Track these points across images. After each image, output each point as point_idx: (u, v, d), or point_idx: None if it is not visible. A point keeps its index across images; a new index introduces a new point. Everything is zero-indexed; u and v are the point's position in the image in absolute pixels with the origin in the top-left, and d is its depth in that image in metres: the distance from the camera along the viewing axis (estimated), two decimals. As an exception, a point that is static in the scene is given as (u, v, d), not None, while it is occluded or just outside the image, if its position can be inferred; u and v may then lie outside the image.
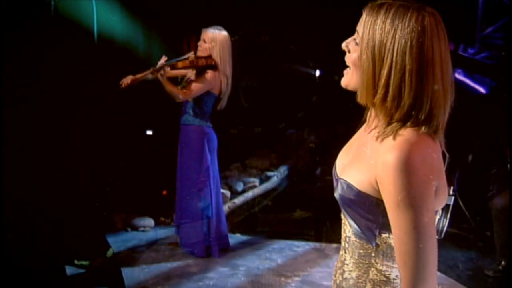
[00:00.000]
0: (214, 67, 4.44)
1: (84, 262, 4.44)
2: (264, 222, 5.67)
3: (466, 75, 7.01)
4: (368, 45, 1.42)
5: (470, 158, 5.90)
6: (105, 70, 4.94)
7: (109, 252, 4.63)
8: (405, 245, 1.36)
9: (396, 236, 1.38)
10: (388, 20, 1.40)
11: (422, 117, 1.39)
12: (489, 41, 7.81)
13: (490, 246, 4.95)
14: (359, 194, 1.44)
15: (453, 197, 1.49)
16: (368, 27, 1.42)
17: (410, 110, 1.40)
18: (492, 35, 8.01)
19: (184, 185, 4.54)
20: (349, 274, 1.56)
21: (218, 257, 4.62)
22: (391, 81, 1.39)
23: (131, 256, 4.71)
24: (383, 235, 1.47)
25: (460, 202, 5.40)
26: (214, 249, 4.61)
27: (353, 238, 1.54)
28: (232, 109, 4.90)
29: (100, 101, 4.92)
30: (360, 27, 1.46)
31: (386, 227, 1.43)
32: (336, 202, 1.55)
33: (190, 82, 4.47)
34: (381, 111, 1.44)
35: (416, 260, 1.35)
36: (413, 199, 1.33)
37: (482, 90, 6.56)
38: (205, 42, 4.47)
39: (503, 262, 4.59)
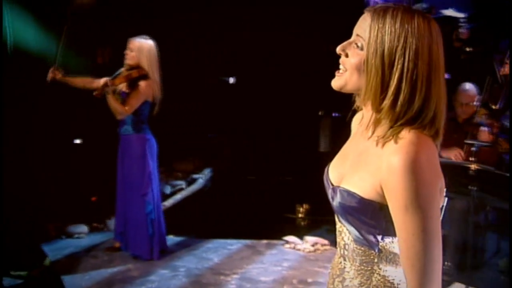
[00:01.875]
0: (145, 76, 4.43)
1: (21, 273, 4.26)
2: (195, 222, 5.68)
3: None
4: (376, 51, 1.34)
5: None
6: (20, 82, 4.81)
7: (47, 261, 4.47)
8: (413, 248, 1.30)
9: (403, 239, 1.32)
10: (397, 25, 1.33)
11: (427, 121, 1.35)
12: None
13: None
14: (362, 201, 1.38)
15: (446, 198, 1.48)
16: (376, 32, 1.34)
17: (417, 115, 1.34)
18: None
19: (128, 191, 4.48)
20: (350, 281, 1.49)
21: (159, 259, 4.59)
22: (402, 87, 1.33)
23: (70, 264, 4.55)
24: (386, 240, 1.42)
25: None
26: (156, 251, 4.58)
27: (353, 245, 1.48)
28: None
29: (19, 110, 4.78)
30: (364, 31, 1.38)
31: (389, 232, 1.39)
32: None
33: (127, 96, 4.42)
34: (387, 117, 1.36)
35: (424, 262, 1.30)
36: (421, 200, 1.28)
37: None
38: (132, 51, 4.45)
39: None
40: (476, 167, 3.88)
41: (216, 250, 4.93)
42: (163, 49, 4.59)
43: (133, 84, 4.42)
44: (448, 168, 4.11)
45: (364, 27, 1.38)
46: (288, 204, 5.90)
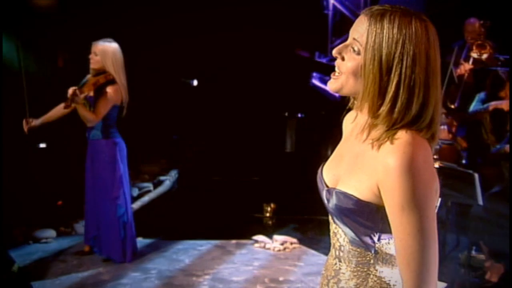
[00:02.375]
0: (113, 81, 4.37)
1: (-12, 280, 4.14)
2: (164, 224, 5.64)
3: (321, 81, 7.50)
4: (374, 56, 1.31)
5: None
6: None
7: (15, 267, 4.35)
8: (410, 248, 1.28)
9: (399, 239, 1.30)
10: (395, 30, 1.30)
11: (425, 124, 1.33)
12: None
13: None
14: (359, 203, 1.35)
15: (440, 199, 1.40)
16: (374, 36, 1.31)
17: (414, 119, 1.32)
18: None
19: (98, 196, 4.42)
20: (346, 283, 1.47)
21: (131, 261, 4.54)
22: (400, 93, 1.31)
23: (39, 269, 4.44)
24: (383, 241, 1.40)
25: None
26: (128, 253, 4.53)
27: (349, 246, 1.46)
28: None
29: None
30: (361, 36, 1.34)
31: (385, 232, 1.37)
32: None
33: (94, 101, 4.36)
34: (384, 122, 1.34)
35: (421, 262, 1.29)
36: (418, 200, 1.26)
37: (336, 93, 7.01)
38: (96, 55, 4.38)
39: None
40: (439, 164, 4.01)
41: (186, 251, 4.91)
42: (125, 51, 4.53)
43: (100, 89, 4.36)
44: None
45: (361, 31, 1.34)
46: (255, 204, 5.93)
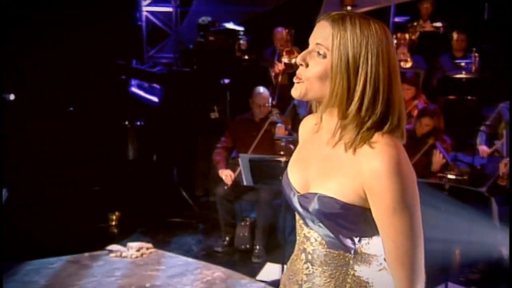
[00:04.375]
0: None
1: None
2: (3, 245, 5.03)
3: (140, 88, 7.46)
4: (341, 58, 1.32)
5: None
6: None
7: None
8: (402, 247, 1.30)
9: (392, 239, 1.31)
10: (358, 31, 1.32)
11: (395, 123, 1.35)
12: (155, 60, 8.70)
13: (210, 226, 5.46)
14: (345, 206, 1.34)
15: None
16: (339, 38, 1.32)
17: (382, 118, 1.33)
18: (154, 55, 8.91)
19: None
20: (322, 286, 1.45)
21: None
22: (367, 91, 1.32)
23: None
24: (363, 242, 1.41)
25: (184, 193, 5.79)
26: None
27: (324, 250, 1.44)
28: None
29: None
30: (325, 40, 1.34)
31: (366, 233, 1.38)
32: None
33: None
34: (353, 121, 1.34)
35: (414, 259, 1.31)
36: (408, 200, 1.28)
37: (155, 99, 7.05)
38: None
39: (227, 238, 5.10)
40: (286, 159, 4.26)
41: (38, 272, 4.45)
42: None
43: None
44: (260, 164, 4.45)
45: (324, 35, 1.35)
46: (99, 214, 5.61)
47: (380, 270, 1.45)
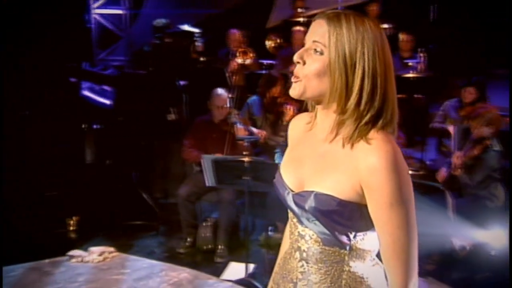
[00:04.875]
0: None
1: None
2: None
3: (91, 91, 7.34)
4: (339, 54, 1.34)
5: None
6: None
7: None
8: (399, 241, 1.32)
9: (389, 234, 1.33)
10: (353, 28, 1.34)
11: (388, 118, 1.37)
12: (105, 62, 8.58)
13: (171, 228, 5.42)
14: (341, 203, 1.35)
15: None
16: (335, 35, 1.34)
17: (379, 112, 1.36)
18: (105, 57, 8.78)
19: None
20: (319, 284, 1.45)
21: None
22: (365, 85, 1.34)
23: None
24: (358, 238, 1.41)
25: (144, 195, 5.71)
26: None
27: (319, 247, 1.44)
28: None
29: None
30: (322, 37, 1.36)
31: (362, 228, 1.39)
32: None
33: None
34: (352, 116, 1.36)
35: (410, 253, 1.33)
36: (404, 195, 1.30)
37: (107, 102, 6.96)
38: None
39: (189, 239, 5.09)
40: (250, 159, 4.28)
41: (-2, 281, 4.31)
42: None
43: None
44: (224, 165, 4.46)
45: (321, 33, 1.37)
46: (56, 219, 5.45)
47: (373, 265, 1.47)
